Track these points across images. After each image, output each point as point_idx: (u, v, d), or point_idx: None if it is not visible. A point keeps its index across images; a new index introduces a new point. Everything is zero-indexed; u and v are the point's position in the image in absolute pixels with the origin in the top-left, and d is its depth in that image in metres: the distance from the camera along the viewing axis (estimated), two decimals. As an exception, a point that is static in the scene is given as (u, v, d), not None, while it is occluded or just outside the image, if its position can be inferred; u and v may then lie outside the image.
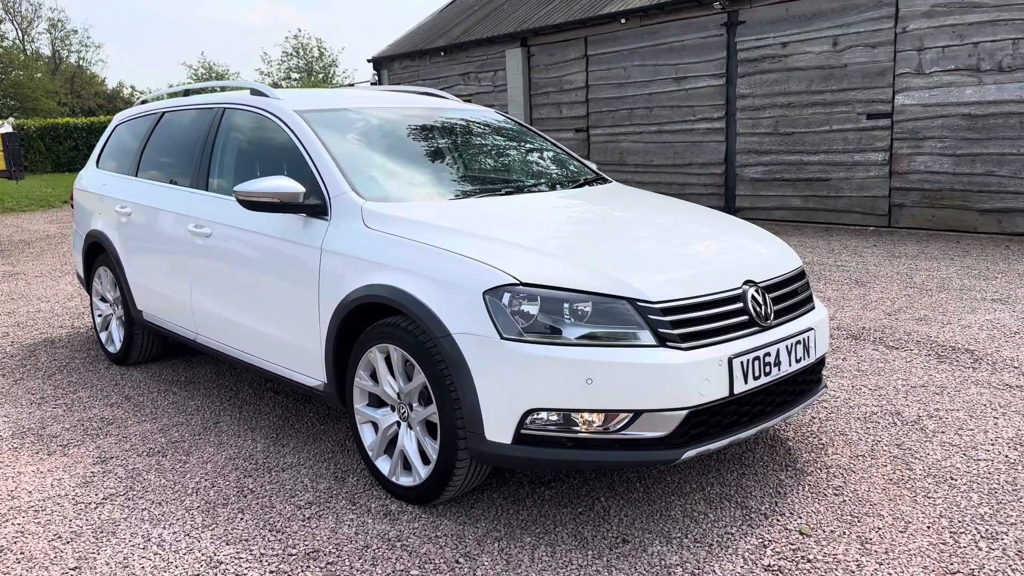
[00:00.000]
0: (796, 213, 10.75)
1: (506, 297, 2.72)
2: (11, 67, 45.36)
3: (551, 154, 4.56)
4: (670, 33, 11.82)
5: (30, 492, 3.38)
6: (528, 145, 4.59)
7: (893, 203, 9.81)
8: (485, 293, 2.75)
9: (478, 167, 4.32)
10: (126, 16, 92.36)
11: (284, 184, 3.40)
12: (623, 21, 12.28)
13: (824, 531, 2.83)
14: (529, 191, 3.95)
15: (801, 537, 2.80)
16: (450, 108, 4.57)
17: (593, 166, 4.56)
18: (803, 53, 10.35)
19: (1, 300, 7.44)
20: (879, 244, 8.83)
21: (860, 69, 9.84)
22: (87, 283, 5.53)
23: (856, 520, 2.90)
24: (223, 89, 4.93)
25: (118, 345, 5.16)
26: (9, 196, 17.70)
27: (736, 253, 3.24)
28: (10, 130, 10.33)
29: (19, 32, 50.29)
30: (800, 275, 3.32)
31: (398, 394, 3.10)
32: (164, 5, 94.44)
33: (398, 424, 3.14)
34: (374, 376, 3.19)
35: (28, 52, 50.08)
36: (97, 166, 5.55)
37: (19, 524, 3.10)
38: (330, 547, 2.84)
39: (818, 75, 10.24)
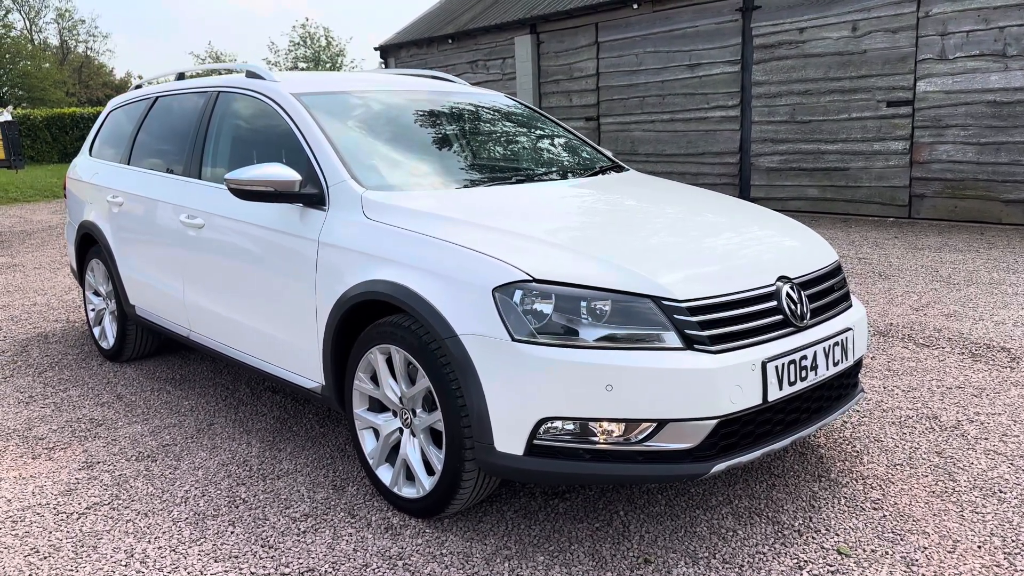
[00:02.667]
0: (813, 204, 10.46)
1: (518, 295, 2.49)
2: (19, 57, 45.28)
3: (564, 140, 4.31)
4: (683, 18, 11.52)
5: (9, 501, 3.17)
6: (540, 131, 4.34)
7: (914, 193, 9.51)
8: (495, 290, 2.51)
9: (487, 154, 4.08)
10: (133, 6, 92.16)
11: (278, 172, 3.16)
12: (635, 6, 11.98)
13: (864, 550, 2.59)
14: (541, 180, 3.70)
15: (840, 557, 2.56)
16: (457, 92, 4.32)
17: (609, 153, 4.31)
18: (821, 39, 10.03)
19: (-3, 292, 7.24)
20: (900, 236, 8.55)
21: (880, 55, 9.52)
22: (80, 276, 5.31)
23: (899, 538, 2.65)
24: (220, 72, 4.70)
25: (111, 341, 4.95)
26: (13, 186, 17.54)
27: (768, 246, 2.98)
28: (9, 118, 10.12)
29: (26, 22, 50.24)
30: (837, 270, 3.07)
31: (400, 399, 2.86)
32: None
33: (400, 431, 2.91)
34: (375, 379, 2.95)
35: (36, 42, 50.01)
36: (90, 154, 5.32)
37: (-5, 536, 2.89)
38: (326, 566, 2.61)
39: (837, 61, 9.92)
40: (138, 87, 5.21)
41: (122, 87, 51.91)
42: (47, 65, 47.51)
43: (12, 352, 5.27)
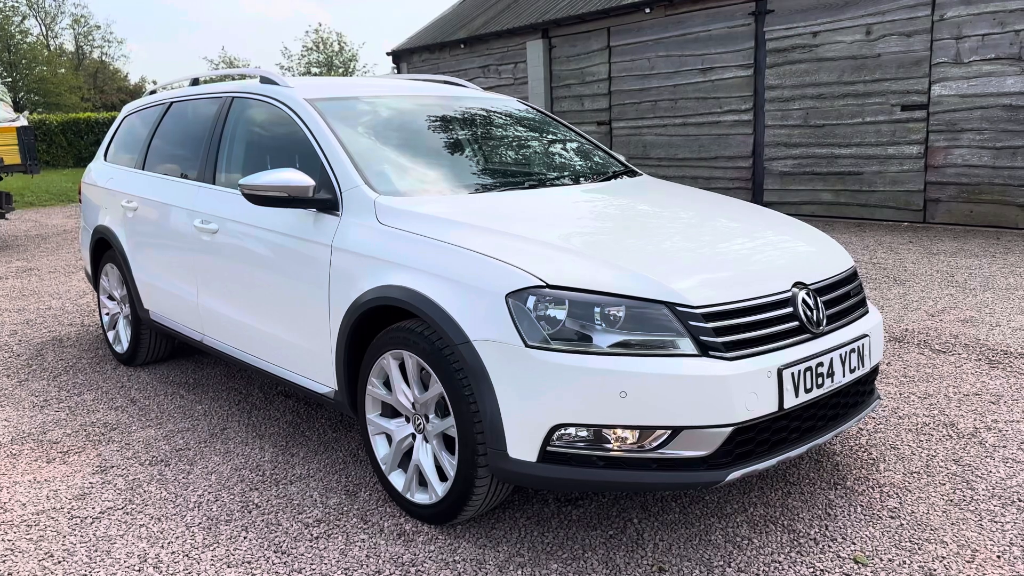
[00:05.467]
0: (827, 208, 10.40)
1: (531, 300, 2.47)
2: (35, 62, 45.65)
3: (576, 145, 4.30)
4: (696, 23, 11.49)
5: (24, 504, 3.18)
6: (552, 136, 4.33)
7: (928, 198, 9.44)
8: (508, 296, 2.50)
9: (499, 159, 4.07)
10: (147, 11, 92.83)
11: (292, 177, 3.16)
12: (648, 11, 11.96)
13: (881, 560, 2.56)
14: (554, 184, 3.69)
15: (856, 567, 2.53)
16: (470, 97, 4.32)
17: (622, 158, 4.30)
18: (835, 43, 9.98)
19: (13, 297, 7.29)
20: (915, 240, 8.49)
21: (894, 59, 9.47)
22: (94, 280, 5.34)
23: (916, 547, 2.63)
24: (235, 77, 4.71)
25: (125, 345, 4.97)
26: (29, 191, 17.69)
27: (784, 252, 2.96)
28: (25, 123, 10.19)
29: (43, 28, 50.63)
30: (853, 276, 3.04)
31: (413, 404, 2.86)
32: (184, 1, 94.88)
33: (413, 436, 2.90)
34: (387, 384, 2.95)
35: (52, 47, 50.41)
36: (105, 159, 5.35)
37: (10, 540, 2.90)
38: (339, 572, 2.61)
39: (850, 65, 9.87)
40: (152, 92, 5.24)
41: (137, 92, 52.23)
42: (63, 70, 47.88)
43: (27, 356, 5.30)
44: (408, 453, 2.94)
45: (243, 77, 4.58)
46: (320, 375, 3.27)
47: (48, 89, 44.79)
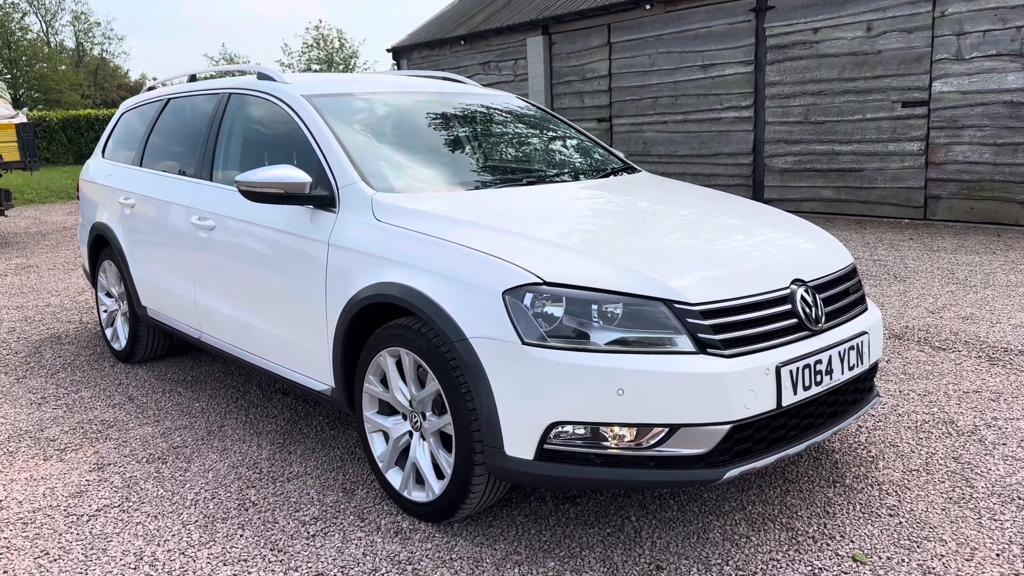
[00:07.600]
0: (827, 205, 10.38)
1: (528, 298, 2.46)
2: (35, 59, 45.68)
3: (575, 142, 4.28)
4: (696, 19, 11.46)
5: (20, 502, 3.17)
6: (551, 132, 4.31)
7: (929, 194, 9.42)
8: (505, 293, 2.48)
9: (497, 156, 4.05)
10: (148, 9, 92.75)
11: (288, 174, 3.15)
12: (648, 7, 11.93)
13: (880, 558, 2.55)
14: (552, 181, 3.67)
15: (855, 565, 2.52)
16: (468, 93, 4.30)
17: (621, 154, 4.28)
18: (835, 39, 9.95)
19: (12, 293, 7.28)
20: (915, 237, 8.47)
21: (895, 55, 9.44)
22: (92, 277, 5.33)
23: (915, 545, 2.61)
24: (232, 74, 4.69)
25: (123, 342, 4.96)
26: (29, 188, 17.68)
27: (782, 249, 2.95)
28: (24, 120, 10.18)
29: (43, 24, 50.63)
30: (852, 273, 3.03)
31: (410, 402, 2.85)
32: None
33: (410, 434, 2.89)
34: (384, 382, 2.94)
35: (52, 45, 50.41)
36: (103, 156, 5.34)
37: (5, 538, 2.89)
38: (335, 570, 2.60)
39: (851, 62, 9.85)
40: (151, 89, 5.22)
41: (137, 89, 52.20)
42: (63, 67, 47.90)
43: (25, 353, 5.29)
44: (405, 451, 2.93)
45: (242, 73, 4.55)
46: (317, 372, 3.26)
47: (48, 86, 44.81)
